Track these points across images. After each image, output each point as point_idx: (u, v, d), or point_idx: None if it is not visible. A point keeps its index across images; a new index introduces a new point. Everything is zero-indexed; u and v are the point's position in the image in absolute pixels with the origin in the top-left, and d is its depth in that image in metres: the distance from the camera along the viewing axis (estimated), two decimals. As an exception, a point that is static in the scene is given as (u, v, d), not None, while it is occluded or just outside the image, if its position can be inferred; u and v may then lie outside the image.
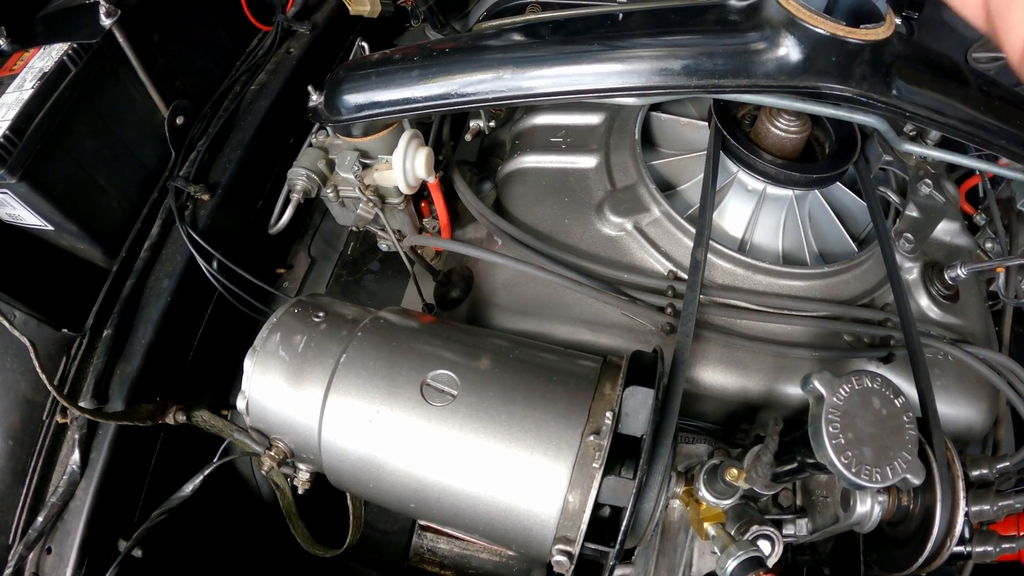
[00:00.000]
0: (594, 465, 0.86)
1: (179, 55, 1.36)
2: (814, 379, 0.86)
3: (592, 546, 0.88)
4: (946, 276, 1.17)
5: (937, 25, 1.42)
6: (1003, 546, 1.01)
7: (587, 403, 0.91)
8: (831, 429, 0.83)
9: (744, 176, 1.17)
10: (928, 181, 1.24)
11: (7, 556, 1.07)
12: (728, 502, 0.98)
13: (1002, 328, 1.30)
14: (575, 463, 0.87)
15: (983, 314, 1.22)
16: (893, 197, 1.24)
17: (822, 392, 0.85)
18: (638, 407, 0.90)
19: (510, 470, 0.89)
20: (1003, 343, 1.28)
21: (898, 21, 1.32)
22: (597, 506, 0.87)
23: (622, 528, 0.85)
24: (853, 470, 0.81)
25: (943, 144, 1.24)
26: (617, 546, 0.86)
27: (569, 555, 0.88)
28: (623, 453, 0.92)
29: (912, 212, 1.22)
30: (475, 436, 0.91)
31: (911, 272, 1.20)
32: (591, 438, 0.88)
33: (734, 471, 0.95)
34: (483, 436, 0.91)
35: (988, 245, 1.30)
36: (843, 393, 0.84)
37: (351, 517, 1.22)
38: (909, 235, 1.19)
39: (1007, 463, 0.99)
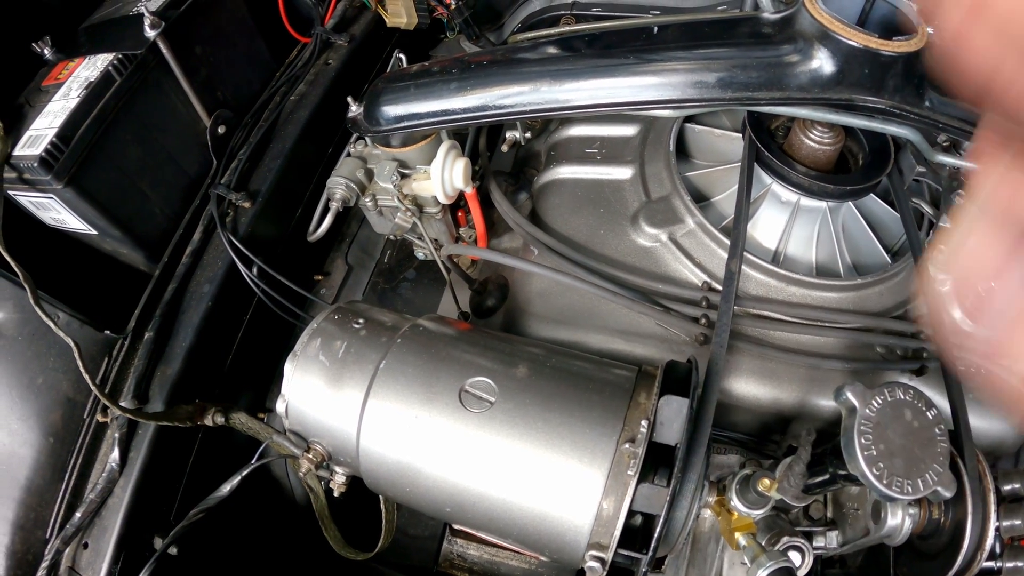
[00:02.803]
0: (629, 472, 0.87)
1: (221, 66, 1.39)
2: (847, 390, 0.86)
3: (625, 552, 0.89)
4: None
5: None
6: (1034, 562, 1.01)
7: (623, 411, 0.92)
8: (863, 440, 0.83)
9: (778, 188, 1.18)
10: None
11: (44, 550, 1.10)
12: (759, 512, 0.99)
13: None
14: (610, 470, 0.88)
15: (1017, 327, 1.21)
16: (927, 208, 1.24)
17: (855, 403, 0.85)
18: (673, 416, 0.91)
19: (546, 476, 0.91)
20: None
21: (931, 31, 1.32)
22: (629, 514, 0.88)
23: (655, 535, 0.85)
24: (884, 481, 0.82)
25: (976, 156, 1.24)
26: (650, 553, 0.86)
27: (602, 561, 0.88)
28: (657, 462, 0.93)
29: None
30: (512, 442, 0.92)
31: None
32: (626, 446, 0.89)
33: (766, 481, 0.96)
34: (520, 442, 0.92)
35: (1022, 258, 1.29)
36: (876, 405, 0.85)
37: (384, 521, 1.23)
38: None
39: (1040, 477, 0.98)
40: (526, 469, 0.92)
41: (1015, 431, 1.14)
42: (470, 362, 0.99)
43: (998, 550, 0.99)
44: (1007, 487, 1.00)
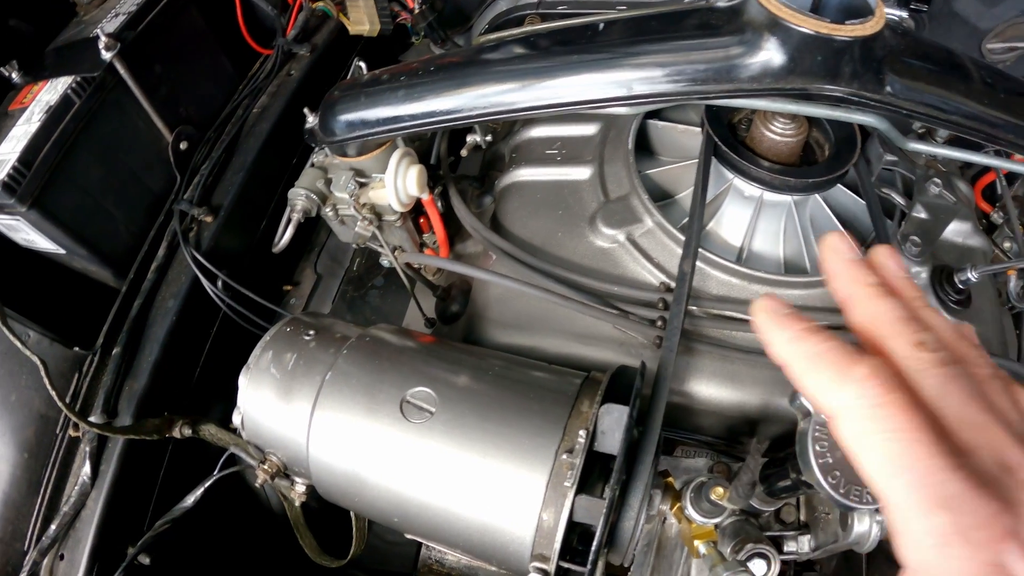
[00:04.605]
0: (566, 484, 0.85)
1: (181, 82, 1.41)
2: (801, 395, 0.83)
3: (567, 565, 0.88)
4: (956, 280, 1.11)
5: (948, 17, 1.35)
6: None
7: (563, 420, 0.91)
8: (818, 448, 0.79)
9: (739, 183, 1.14)
10: (937, 180, 1.17)
11: (23, 561, 1.13)
12: (716, 520, 0.96)
13: (1022, 333, 1.23)
14: (549, 481, 0.87)
15: (997, 318, 1.15)
16: (898, 199, 1.18)
17: (809, 408, 0.82)
18: (613, 425, 0.89)
19: (486, 487, 0.90)
20: (1022, 349, 1.21)
21: (905, 15, 1.27)
22: (581, 522, 0.87)
23: (592, 548, 0.84)
24: (841, 491, 0.78)
25: (954, 141, 1.18)
26: (589, 566, 0.85)
27: (545, 572, 0.87)
28: (608, 470, 0.90)
29: (919, 213, 1.16)
30: (451, 453, 0.92)
31: (919, 276, 1.14)
32: (565, 456, 0.87)
33: (719, 490, 0.93)
34: (459, 453, 0.91)
35: (1007, 245, 1.23)
36: (832, 409, 0.81)
37: (354, 529, 1.23)
38: (915, 238, 1.13)
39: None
40: (467, 480, 0.91)
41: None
42: (414, 371, 0.99)
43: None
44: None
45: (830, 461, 0.79)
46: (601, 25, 1.06)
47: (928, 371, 0.49)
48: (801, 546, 1.08)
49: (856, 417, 0.49)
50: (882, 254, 0.59)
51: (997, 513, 0.43)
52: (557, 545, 0.86)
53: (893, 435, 0.46)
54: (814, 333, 0.54)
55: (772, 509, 1.07)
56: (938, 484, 0.44)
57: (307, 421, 0.99)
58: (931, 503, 0.44)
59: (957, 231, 1.21)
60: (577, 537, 0.93)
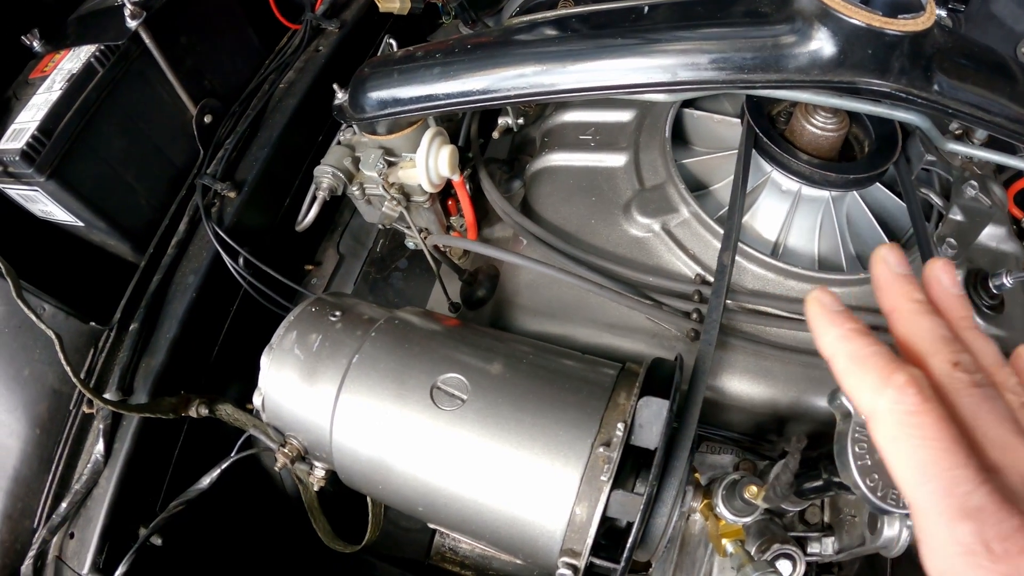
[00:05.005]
0: (602, 478, 0.83)
1: (207, 55, 1.37)
2: (842, 394, 0.81)
3: (599, 561, 0.86)
4: (991, 285, 1.10)
5: (985, 18, 1.33)
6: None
7: (599, 412, 0.88)
8: (857, 449, 0.77)
9: (778, 176, 1.12)
10: (974, 183, 1.16)
11: (32, 539, 1.11)
12: (747, 519, 0.95)
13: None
14: (583, 474, 0.85)
15: (1028, 326, 1.14)
16: (936, 199, 1.17)
17: (849, 409, 0.80)
18: (652, 419, 0.87)
19: (517, 478, 0.87)
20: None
21: (943, 13, 1.24)
22: (611, 517, 0.85)
23: (627, 545, 0.82)
24: (879, 494, 0.76)
25: (991, 144, 1.16)
26: (622, 563, 0.83)
27: (574, 568, 0.85)
28: (640, 464, 0.89)
29: (956, 216, 1.14)
30: (484, 442, 0.89)
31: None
32: (601, 449, 0.85)
33: (753, 488, 0.91)
34: (492, 442, 0.89)
35: (1040, 252, 1.22)
36: (873, 410, 0.79)
37: (370, 515, 1.22)
38: (952, 240, 1.12)
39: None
40: (498, 470, 0.89)
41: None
42: (445, 357, 0.96)
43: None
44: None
45: (869, 463, 0.77)
46: (645, 9, 1.03)
47: (963, 390, 0.51)
48: (825, 548, 1.07)
49: (891, 422, 0.51)
50: (937, 267, 0.60)
51: (1021, 528, 0.44)
52: (590, 540, 0.84)
53: (924, 443, 0.48)
54: (862, 335, 0.56)
55: (797, 509, 1.06)
56: (964, 495, 0.46)
57: (332, 405, 0.96)
58: (956, 512, 0.46)
59: (991, 235, 1.20)
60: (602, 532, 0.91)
